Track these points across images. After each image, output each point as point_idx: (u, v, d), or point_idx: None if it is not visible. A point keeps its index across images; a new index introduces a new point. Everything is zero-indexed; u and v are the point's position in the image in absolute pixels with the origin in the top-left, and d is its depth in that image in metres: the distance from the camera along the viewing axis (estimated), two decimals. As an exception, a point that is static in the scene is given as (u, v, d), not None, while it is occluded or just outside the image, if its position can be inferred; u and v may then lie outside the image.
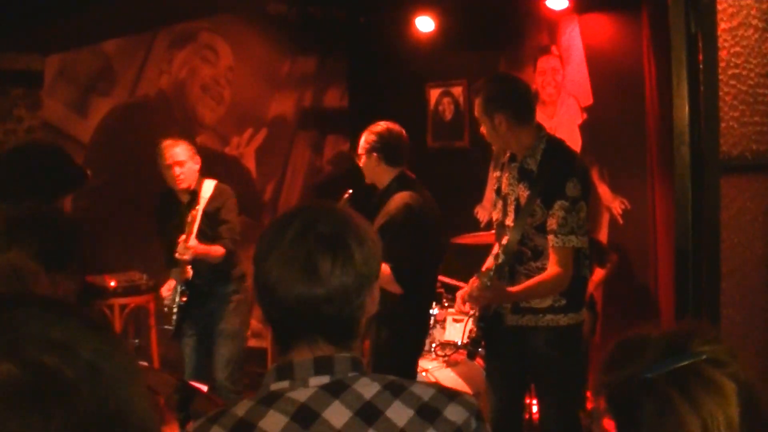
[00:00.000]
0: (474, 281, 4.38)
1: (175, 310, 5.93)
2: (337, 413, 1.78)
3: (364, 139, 5.08)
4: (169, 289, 6.04)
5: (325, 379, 1.83)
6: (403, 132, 5.12)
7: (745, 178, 3.40)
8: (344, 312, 1.86)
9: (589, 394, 5.31)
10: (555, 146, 4.39)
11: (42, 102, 7.13)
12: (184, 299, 5.90)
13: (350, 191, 5.07)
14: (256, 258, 1.91)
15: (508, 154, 4.55)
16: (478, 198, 8.37)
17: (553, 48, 7.78)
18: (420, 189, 5.04)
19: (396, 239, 4.74)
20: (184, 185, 5.89)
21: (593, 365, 4.61)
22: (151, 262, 7.54)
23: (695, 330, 1.74)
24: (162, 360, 7.15)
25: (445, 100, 8.72)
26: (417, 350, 5.34)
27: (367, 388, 1.83)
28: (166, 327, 6.11)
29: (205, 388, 3.87)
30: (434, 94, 8.82)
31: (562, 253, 4.18)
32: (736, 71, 3.35)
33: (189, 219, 5.72)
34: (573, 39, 7.59)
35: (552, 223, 4.18)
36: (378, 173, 5.08)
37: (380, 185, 5.10)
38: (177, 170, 5.84)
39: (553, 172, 4.23)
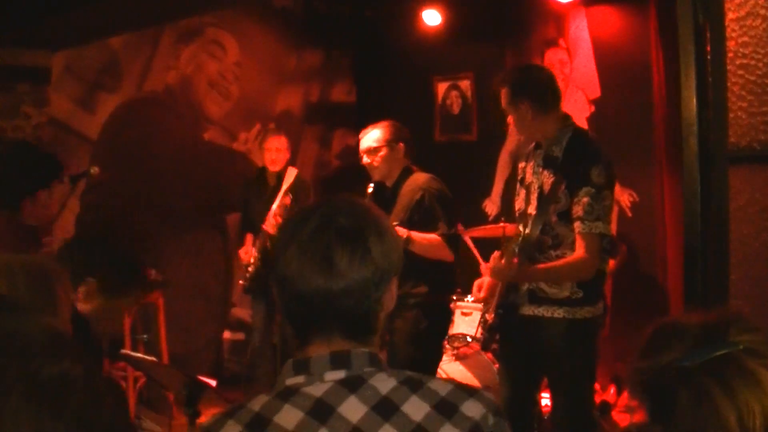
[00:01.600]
0: (494, 259, 4.37)
1: (250, 269, 7.01)
2: (353, 408, 1.78)
3: (383, 132, 5.20)
4: (246, 251, 7.09)
5: (341, 374, 1.82)
6: None
7: (753, 169, 3.38)
8: (362, 306, 1.85)
9: (597, 386, 5.30)
10: (581, 135, 4.38)
11: (49, 98, 7.12)
12: (257, 265, 6.98)
13: (372, 185, 5.14)
14: (276, 250, 1.91)
15: (533, 144, 4.55)
16: (487, 191, 8.38)
17: (561, 41, 7.76)
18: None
19: (440, 205, 5.00)
20: (274, 168, 7.11)
21: (603, 359, 4.58)
22: (159, 257, 7.55)
23: (733, 319, 1.74)
24: (171, 356, 7.16)
25: (453, 93, 8.72)
26: (445, 336, 5.54)
27: (384, 383, 1.82)
28: (240, 281, 7.28)
29: (213, 383, 3.87)
30: (442, 87, 8.82)
31: (589, 239, 4.16)
32: (744, 61, 3.33)
33: (288, 205, 6.80)
34: (580, 31, 7.57)
35: (578, 210, 4.16)
36: (395, 165, 5.22)
37: (391, 179, 5.22)
38: (273, 154, 7.09)
39: (578, 158, 4.22)
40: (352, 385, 1.81)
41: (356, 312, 1.85)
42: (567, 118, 4.42)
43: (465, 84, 8.64)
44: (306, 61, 9.06)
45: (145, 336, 6.91)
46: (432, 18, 8.21)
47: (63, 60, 7.24)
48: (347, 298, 1.83)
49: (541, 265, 4.28)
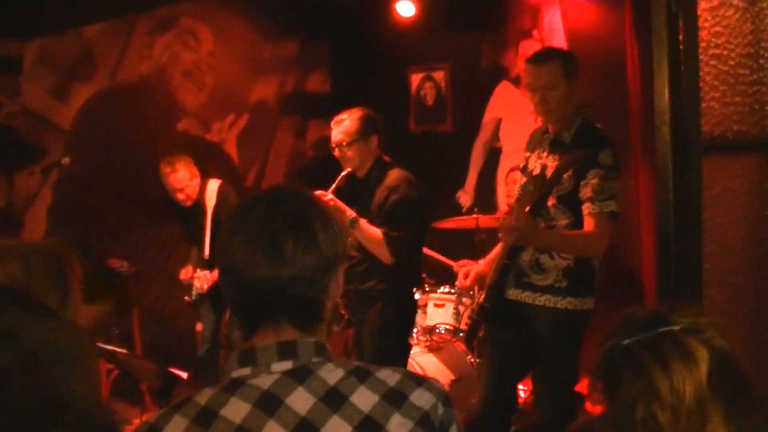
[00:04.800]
0: (506, 218, 4.31)
1: (194, 294, 6.57)
2: (300, 399, 1.76)
3: (357, 125, 5.01)
4: (186, 271, 6.64)
5: (288, 365, 1.81)
6: None
7: (726, 159, 3.40)
8: (308, 293, 1.84)
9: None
10: (590, 123, 4.34)
11: (21, 88, 7.07)
12: (204, 288, 6.52)
13: (345, 172, 5.02)
14: (221, 240, 1.90)
15: (540, 133, 4.51)
16: (461, 182, 8.39)
17: (535, 32, 7.78)
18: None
19: (406, 210, 4.88)
20: (189, 204, 6.50)
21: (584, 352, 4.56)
22: (132, 249, 7.52)
23: (678, 306, 1.82)
24: (144, 347, 7.13)
25: (427, 84, 8.72)
26: (412, 327, 5.45)
27: (332, 373, 1.81)
28: (185, 298, 6.70)
29: (185, 375, 3.86)
30: (416, 78, 8.81)
31: (600, 218, 4.13)
32: (717, 51, 3.34)
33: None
34: (554, 23, 7.58)
35: (587, 192, 4.13)
36: (368, 158, 5.07)
37: (362, 171, 5.09)
38: (180, 196, 6.44)
39: (586, 144, 4.19)
40: (300, 376, 1.80)
41: (303, 300, 1.84)
42: (582, 105, 4.39)
43: (439, 75, 8.64)
44: (281, 52, 9.03)
45: (115, 329, 6.87)
46: (407, 9, 8.19)
47: (36, 49, 7.19)
48: (294, 285, 1.82)
49: (555, 231, 4.25)
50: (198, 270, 6.54)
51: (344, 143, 5.02)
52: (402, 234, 4.87)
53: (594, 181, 4.12)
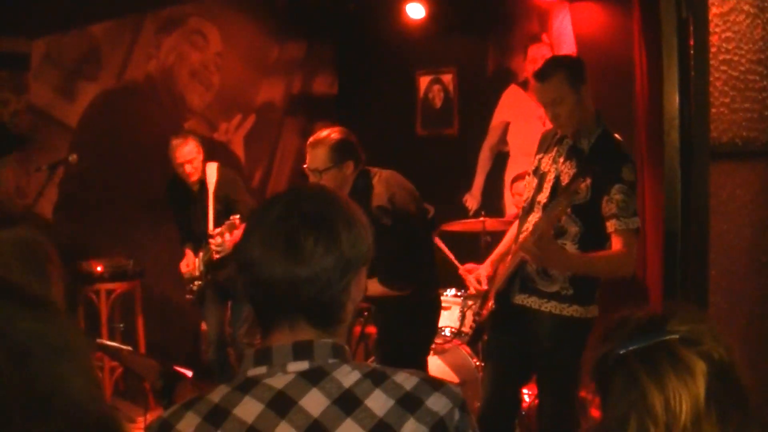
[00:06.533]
0: (528, 236, 4.25)
1: (196, 284, 6.59)
2: (314, 401, 1.73)
3: (329, 151, 4.70)
4: (187, 265, 6.63)
5: (303, 365, 1.77)
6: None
7: (734, 165, 3.39)
8: (326, 294, 1.80)
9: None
10: (610, 134, 4.28)
11: (28, 85, 7.07)
12: (204, 278, 6.55)
13: None
14: (242, 237, 1.87)
15: (556, 135, 4.45)
16: (467, 186, 8.37)
17: (544, 36, 7.76)
18: (381, 173, 4.84)
19: (389, 253, 4.57)
20: (194, 178, 6.47)
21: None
22: (137, 247, 7.51)
23: (676, 310, 1.76)
24: (148, 345, 7.13)
25: (435, 87, 8.71)
26: (434, 332, 5.36)
27: (348, 376, 1.77)
28: (187, 296, 6.71)
29: (189, 373, 3.85)
30: (424, 81, 8.81)
31: (627, 235, 4.07)
32: (727, 57, 3.33)
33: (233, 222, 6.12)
34: (564, 27, 7.57)
35: (611, 208, 4.07)
36: (345, 182, 4.79)
37: (346, 191, 4.77)
38: (187, 168, 6.41)
39: (609, 156, 4.14)
40: (315, 377, 1.76)
41: (320, 300, 1.80)
42: (600, 113, 4.35)
43: (447, 78, 8.63)
44: (288, 53, 9.02)
45: (121, 325, 6.87)
46: (416, 11, 8.18)
47: (43, 47, 7.19)
48: (311, 285, 1.78)
49: (581, 254, 4.18)
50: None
51: (318, 170, 4.74)
52: (395, 275, 4.67)
53: (618, 197, 4.06)
